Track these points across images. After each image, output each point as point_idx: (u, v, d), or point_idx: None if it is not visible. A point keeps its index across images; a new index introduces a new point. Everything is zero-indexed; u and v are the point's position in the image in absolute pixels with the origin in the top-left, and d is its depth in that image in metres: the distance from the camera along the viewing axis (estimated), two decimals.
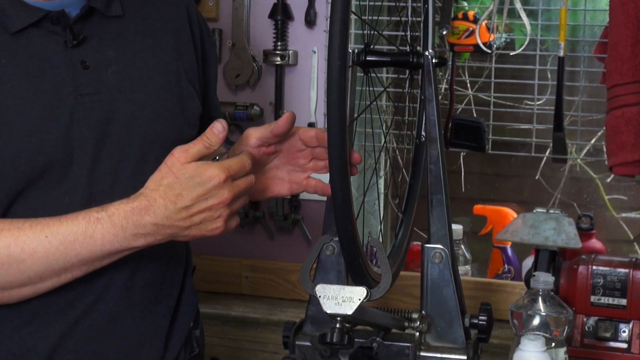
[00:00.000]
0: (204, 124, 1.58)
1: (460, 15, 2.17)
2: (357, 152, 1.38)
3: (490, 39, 2.14)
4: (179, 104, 1.49)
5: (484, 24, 2.13)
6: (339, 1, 1.24)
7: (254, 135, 1.45)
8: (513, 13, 2.14)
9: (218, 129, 1.30)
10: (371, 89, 1.54)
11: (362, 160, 1.40)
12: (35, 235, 1.30)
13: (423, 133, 1.53)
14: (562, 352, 1.62)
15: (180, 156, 1.29)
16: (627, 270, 1.91)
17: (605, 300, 1.92)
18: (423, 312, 1.48)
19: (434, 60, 1.51)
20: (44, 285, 1.34)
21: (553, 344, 1.60)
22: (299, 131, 1.45)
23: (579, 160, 2.35)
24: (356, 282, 1.39)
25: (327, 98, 1.26)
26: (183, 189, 1.29)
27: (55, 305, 1.40)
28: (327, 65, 1.26)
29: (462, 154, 2.45)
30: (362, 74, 1.54)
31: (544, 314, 1.60)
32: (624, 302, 1.91)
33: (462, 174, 2.46)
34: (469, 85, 2.34)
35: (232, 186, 1.31)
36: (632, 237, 2.43)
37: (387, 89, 2.00)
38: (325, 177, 1.39)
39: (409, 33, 1.67)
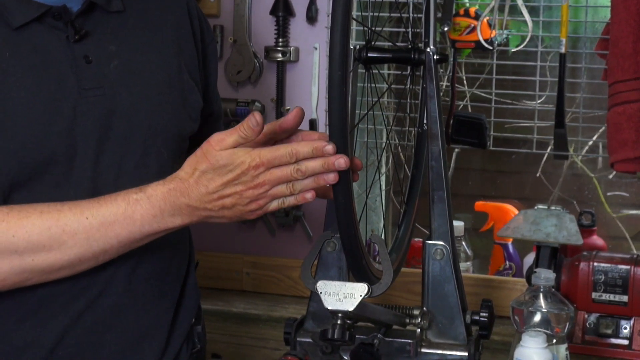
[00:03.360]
0: (204, 119, 1.59)
1: (461, 11, 2.17)
2: (359, 158, 1.39)
3: (492, 36, 2.13)
4: (181, 98, 1.50)
5: (485, 20, 2.13)
6: (339, 7, 1.24)
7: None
8: (515, 9, 2.13)
9: (253, 122, 1.30)
10: (373, 85, 1.54)
11: (364, 161, 1.40)
12: (76, 217, 1.32)
13: (425, 121, 1.52)
14: (563, 348, 1.62)
15: (215, 144, 1.31)
16: (628, 267, 1.91)
17: (606, 296, 1.92)
18: (424, 308, 1.48)
19: (435, 57, 1.51)
20: (81, 267, 1.36)
21: (554, 341, 1.60)
22: (302, 134, 1.46)
23: (576, 157, 2.35)
24: (357, 279, 1.39)
25: (329, 106, 1.26)
26: (215, 174, 1.31)
27: (59, 298, 1.40)
28: (328, 73, 1.26)
29: (455, 151, 2.45)
30: (364, 71, 1.54)
31: (545, 310, 1.60)
32: (625, 298, 1.91)
33: (453, 170, 2.46)
34: (465, 82, 2.34)
35: (263, 173, 1.31)
36: (627, 236, 2.42)
37: (388, 85, 2.00)
38: None
39: (410, 29, 1.66)
